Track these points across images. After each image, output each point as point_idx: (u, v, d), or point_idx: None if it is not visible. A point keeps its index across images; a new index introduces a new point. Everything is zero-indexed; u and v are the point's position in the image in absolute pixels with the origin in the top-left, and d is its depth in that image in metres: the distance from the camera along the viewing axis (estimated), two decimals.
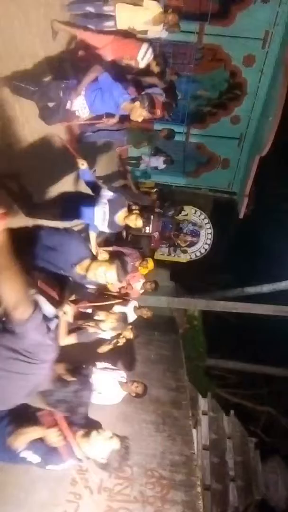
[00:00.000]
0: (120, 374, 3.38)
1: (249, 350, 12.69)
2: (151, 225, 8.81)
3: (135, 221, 3.60)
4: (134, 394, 3.36)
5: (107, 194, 3.58)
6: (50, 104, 3.57)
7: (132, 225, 3.62)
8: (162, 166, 8.16)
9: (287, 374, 11.93)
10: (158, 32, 4.67)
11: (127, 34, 4.41)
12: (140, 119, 3.72)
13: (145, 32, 4.55)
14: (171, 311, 9.54)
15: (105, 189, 3.64)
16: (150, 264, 6.09)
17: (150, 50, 4.35)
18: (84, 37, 4.38)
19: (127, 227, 4.03)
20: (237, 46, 7.77)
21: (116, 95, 3.60)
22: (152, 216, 8.76)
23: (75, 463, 2.18)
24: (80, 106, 3.62)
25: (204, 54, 8.04)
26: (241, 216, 9.59)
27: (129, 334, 3.99)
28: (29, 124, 3.78)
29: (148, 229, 8.62)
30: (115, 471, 2.34)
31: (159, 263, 9.42)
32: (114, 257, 2.83)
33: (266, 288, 10.35)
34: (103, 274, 2.68)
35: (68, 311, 2.70)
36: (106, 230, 3.62)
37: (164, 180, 9.93)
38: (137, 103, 3.60)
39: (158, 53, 4.80)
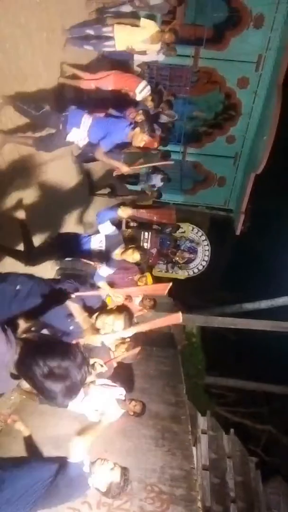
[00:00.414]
0: (119, 392, 3.35)
1: (249, 367, 12.57)
2: (149, 242, 8.91)
3: (132, 255, 3.75)
4: (132, 413, 3.34)
5: (107, 229, 3.80)
6: (45, 133, 3.73)
7: (130, 259, 3.76)
8: (159, 184, 8.30)
9: (286, 392, 11.80)
10: (155, 52, 4.89)
11: (127, 70, 4.68)
12: (142, 144, 3.90)
13: (144, 52, 4.77)
14: (169, 328, 9.50)
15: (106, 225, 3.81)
16: (149, 279, 6.13)
17: (148, 87, 4.63)
18: (89, 78, 4.62)
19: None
20: (231, 69, 8.08)
21: (121, 132, 3.77)
22: (150, 233, 8.88)
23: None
24: (79, 137, 3.71)
25: (200, 76, 8.34)
26: (237, 233, 9.71)
27: (127, 347, 3.98)
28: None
29: (146, 246, 8.71)
30: (114, 498, 2.42)
31: (157, 280, 9.44)
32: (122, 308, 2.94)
33: (264, 304, 10.37)
34: (112, 322, 2.76)
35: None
36: (104, 267, 3.68)
37: (162, 197, 10.09)
38: (137, 129, 3.75)
39: (154, 90, 5.05)
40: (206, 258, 10.69)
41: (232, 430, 8.94)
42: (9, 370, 1.52)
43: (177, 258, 10.48)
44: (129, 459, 3.38)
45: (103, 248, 3.77)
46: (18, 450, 3.43)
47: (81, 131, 3.64)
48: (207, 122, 8.95)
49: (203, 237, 10.64)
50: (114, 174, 6.23)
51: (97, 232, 3.97)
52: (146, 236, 9.18)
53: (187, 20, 7.70)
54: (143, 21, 4.47)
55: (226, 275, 12.68)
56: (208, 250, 10.68)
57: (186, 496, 3.18)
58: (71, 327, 2.56)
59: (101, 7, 5.29)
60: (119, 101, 5.05)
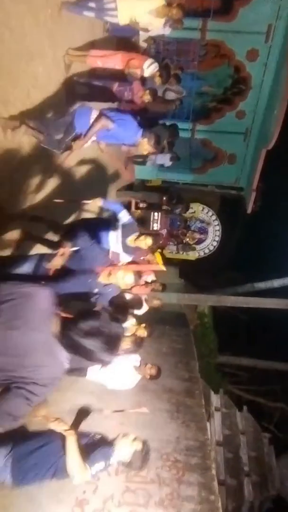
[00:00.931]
0: (135, 358, 3.46)
1: (261, 346, 12.61)
2: (159, 223, 8.87)
3: (145, 241, 3.89)
4: (148, 377, 3.46)
5: (123, 219, 3.92)
6: (57, 136, 3.70)
7: (142, 245, 3.90)
8: (168, 163, 8.20)
9: None
10: (160, 26, 4.75)
11: (133, 47, 4.59)
12: (145, 153, 4.10)
13: (149, 26, 4.64)
14: (181, 308, 9.56)
15: (123, 215, 3.96)
16: (158, 258, 6.15)
17: (155, 63, 4.56)
18: (95, 55, 4.52)
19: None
20: (240, 41, 7.82)
21: (130, 137, 3.86)
22: (159, 214, 8.84)
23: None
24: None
25: (208, 50, 8.11)
26: (249, 211, 9.59)
27: (143, 332, 4.01)
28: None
29: (156, 226, 8.68)
30: (137, 470, 2.61)
31: (167, 261, 9.46)
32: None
33: (276, 283, 10.31)
34: (122, 277, 3.02)
35: None
36: (122, 252, 3.93)
37: (170, 177, 9.98)
38: (145, 140, 3.83)
39: (161, 66, 4.97)
40: (217, 238, 10.64)
41: (245, 407, 9.05)
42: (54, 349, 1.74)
43: (188, 239, 10.44)
44: (145, 431, 3.46)
45: (120, 236, 3.92)
46: (36, 422, 3.53)
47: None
48: (216, 97, 8.74)
49: (214, 217, 10.55)
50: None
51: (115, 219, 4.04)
52: (155, 217, 9.14)
53: None
54: None
55: (238, 255, 12.62)
56: (219, 230, 10.61)
57: (201, 464, 3.27)
58: (95, 289, 2.97)
59: None
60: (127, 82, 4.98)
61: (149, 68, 4.79)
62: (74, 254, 3.08)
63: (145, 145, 3.87)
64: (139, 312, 4.45)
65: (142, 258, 5.46)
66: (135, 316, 4.08)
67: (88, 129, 3.63)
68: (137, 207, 8.48)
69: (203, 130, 9.09)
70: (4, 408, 1.63)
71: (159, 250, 6.11)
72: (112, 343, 1.71)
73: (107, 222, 4.08)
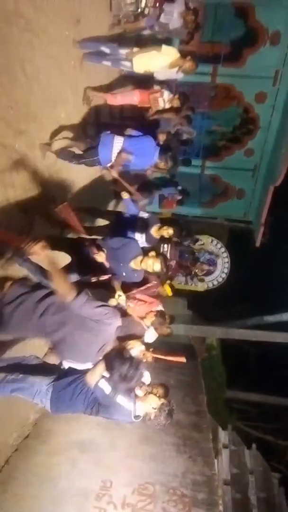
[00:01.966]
0: (145, 376, 3.59)
1: (270, 382, 12.36)
2: (168, 254, 9.02)
3: (167, 230, 4.35)
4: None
5: (144, 215, 4.44)
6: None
7: (165, 234, 4.39)
8: (178, 197, 8.47)
9: None
10: (173, 74, 5.10)
11: (148, 88, 4.97)
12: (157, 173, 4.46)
13: (162, 75, 4.98)
14: (189, 340, 9.54)
15: (142, 213, 4.50)
16: (168, 290, 6.25)
17: (169, 91, 4.86)
18: (114, 100, 4.90)
19: None
20: (249, 84, 8.25)
21: (149, 161, 4.21)
22: (169, 245, 9.01)
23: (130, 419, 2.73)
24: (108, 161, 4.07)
25: (218, 92, 8.54)
26: (258, 244, 9.72)
27: (150, 356, 4.09)
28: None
29: None
30: (160, 426, 2.80)
31: (176, 292, 9.53)
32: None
33: (286, 316, 10.26)
34: (152, 264, 3.58)
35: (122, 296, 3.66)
36: (145, 244, 4.34)
37: (180, 210, 10.24)
38: (159, 161, 4.17)
39: (179, 91, 5.30)
40: (226, 270, 10.70)
41: (254, 445, 8.80)
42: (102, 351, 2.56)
43: (197, 270, 10.54)
44: (151, 464, 3.46)
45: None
46: (46, 451, 3.58)
47: (112, 154, 3.97)
48: (225, 136, 9.10)
49: (223, 249, 10.67)
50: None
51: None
52: (165, 248, 9.27)
53: (205, 38, 7.95)
54: (165, 48, 4.56)
55: (247, 287, 12.62)
56: (227, 262, 10.69)
57: (207, 499, 3.23)
58: (123, 273, 3.69)
59: (123, 32, 5.59)
60: (144, 120, 5.32)
61: (166, 93, 5.18)
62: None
63: (161, 165, 4.28)
64: (148, 339, 4.53)
65: (153, 290, 5.61)
66: (144, 343, 4.16)
67: (113, 163, 4.03)
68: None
69: (212, 166, 9.42)
70: None
71: (168, 281, 6.23)
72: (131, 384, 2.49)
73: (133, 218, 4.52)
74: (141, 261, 4.16)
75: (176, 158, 4.82)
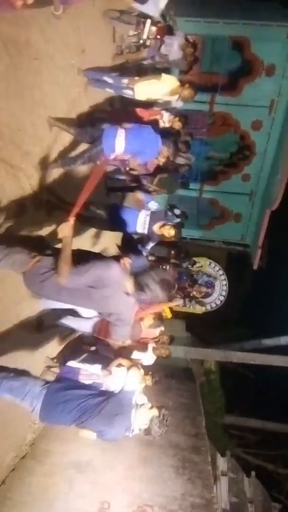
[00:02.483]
0: (142, 399, 3.52)
1: (270, 407, 12.17)
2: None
3: (169, 231, 4.27)
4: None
5: (153, 206, 4.45)
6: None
7: (166, 234, 4.29)
8: (176, 220, 8.60)
9: None
10: (174, 100, 5.32)
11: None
12: (164, 160, 4.44)
13: (162, 102, 5.20)
14: (188, 363, 9.46)
15: (153, 204, 4.51)
16: (167, 312, 6.27)
17: (169, 114, 5.02)
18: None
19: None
20: (245, 113, 8.58)
21: (155, 146, 4.24)
22: (167, 267, 9.08)
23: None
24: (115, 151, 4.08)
25: (215, 119, 8.86)
26: (255, 267, 9.82)
27: (148, 381, 4.06)
28: None
29: None
30: (157, 436, 2.69)
31: (174, 314, 9.53)
32: None
33: (283, 340, 10.23)
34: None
35: None
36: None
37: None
38: (164, 147, 4.26)
39: (179, 114, 5.48)
40: (224, 293, 10.73)
41: (253, 473, 8.59)
42: (123, 289, 2.48)
43: (195, 293, 10.57)
44: (150, 486, 3.40)
45: (148, 221, 4.35)
46: (43, 471, 3.52)
47: (118, 151, 4.00)
48: (223, 161, 9.37)
49: (221, 272, 10.75)
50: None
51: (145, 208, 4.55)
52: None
53: (203, 68, 8.33)
54: (164, 77, 4.79)
55: (245, 310, 12.63)
56: (225, 284, 10.74)
57: None
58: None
59: (125, 62, 5.87)
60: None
61: (166, 114, 5.33)
62: None
63: (165, 153, 4.32)
64: (147, 361, 4.51)
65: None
66: (142, 366, 4.15)
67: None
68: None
69: (210, 190, 9.65)
70: None
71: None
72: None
73: (134, 211, 4.51)
74: (160, 227, 4.27)
75: (177, 144, 4.93)
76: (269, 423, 11.85)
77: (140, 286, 2.52)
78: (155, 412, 2.67)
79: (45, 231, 3.92)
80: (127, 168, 4.64)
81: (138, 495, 3.34)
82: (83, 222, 4.41)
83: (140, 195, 4.62)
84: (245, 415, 12.18)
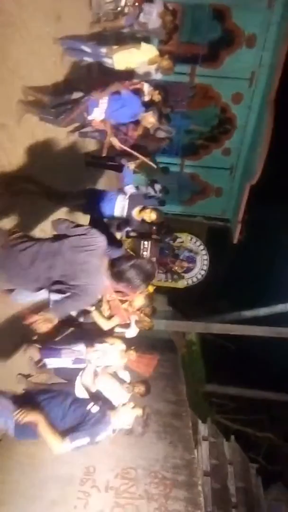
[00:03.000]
0: (125, 375, 3.59)
1: (248, 376, 12.70)
2: (148, 251, 9.17)
3: (150, 215, 4.17)
4: (138, 395, 3.57)
5: (130, 190, 4.35)
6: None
7: (147, 218, 4.18)
8: (158, 195, 8.59)
9: (285, 399, 11.91)
10: (153, 72, 5.22)
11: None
12: (149, 126, 4.47)
13: (142, 72, 5.09)
14: (169, 335, 9.70)
15: (131, 187, 4.42)
16: (150, 288, 6.35)
17: (149, 85, 4.94)
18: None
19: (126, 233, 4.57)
20: (226, 85, 8.46)
21: (136, 106, 4.23)
22: (149, 242, 9.15)
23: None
24: (97, 114, 4.04)
25: (196, 92, 8.71)
26: (235, 241, 9.98)
27: (132, 353, 4.14)
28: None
29: (145, 254, 8.96)
30: (139, 436, 2.70)
31: (156, 290, 9.67)
32: None
33: (262, 311, 10.58)
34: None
35: None
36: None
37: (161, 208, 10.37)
38: (149, 113, 4.32)
39: (159, 86, 5.38)
40: (205, 268, 10.92)
41: (232, 437, 9.03)
42: (102, 273, 2.36)
43: (176, 268, 10.73)
44: (133, 450, 3.57)
45: (126, 206, 4.23)
46: (26, 446, 3.62)
47: (100, 109, 3.97)
48: (203, 135, 9.29)
49: (202, 247, 10.89)
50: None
51: (123, 191, 4.44)
52: (145, 245, 9.44)
53: (183, 39, 8.11)
54: (144, 46, 4.70)
55: (225, 284, 12.90)
56: (206, 259, 10.92)
57: (187, 481, 3.37)
58: None
59: (102, 30, 5.67)
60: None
61: (146, 87, 5.23)
62: None
63: (150, 118, 4.31)
64: (129, 334, 4.61)
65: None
66: (126, 339, 4.24)
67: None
68: (128, 236, 8.78)
69: (191, 165, 9.60)
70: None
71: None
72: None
73: (111, 195, 4.38)
74: (139, 211, 4.19)
75: (162, 112, 4.81)
76: (247, 390, 12.39)
77: (118, 276, 2.39)
78: (138, 411, 2.63)
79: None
80: (108, 140, 4.55)
81: (122, 459, 3.51)
82: (58, 203, 4.30)
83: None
84: (225, 384, 12.69)
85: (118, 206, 4.25)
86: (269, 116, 7.84)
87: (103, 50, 4.78)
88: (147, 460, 3.56)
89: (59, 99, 3.96)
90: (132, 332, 4.58)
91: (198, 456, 7.63)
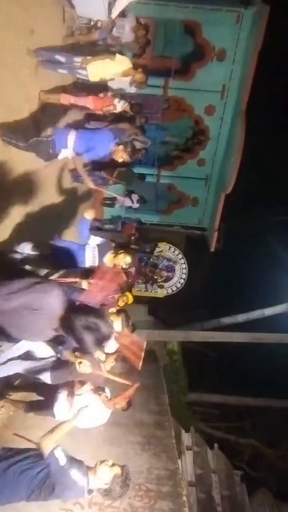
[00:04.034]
0: (105, 393, 3.50)
1: (230, 383, 12.78)
2: None
3: (124, 259, 3.96)
4: (121, 410, 3.52)
5: (95, 240, 4.16)
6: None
7: (122, 263, 3.95)
8: (136, 205, 8.67)
9: (267, 404, 12.04)
10: (126, 82, 5.29)
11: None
12: (120, 160, 4.26)
13: (116, 84, 5.17)
14: (151, 345, 9.67)
15: (93, 237, 4.22)
16: (130, 298, 6.32)
17: (124, 100, 4.99)
18: (68, 100, 4.94)
19: None
20: (198, 98, 8.68)
21: (106, 143, 4.12)
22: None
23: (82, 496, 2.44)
24: (67, 154, 4.04)
25: (170, 104, 8.89)
26: (212, 249, 10.13)
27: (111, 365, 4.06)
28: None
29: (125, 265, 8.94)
30: (117, 497, 2.53)
31: (136, 299, 9.65)
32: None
33: (240, 317, 10.72)
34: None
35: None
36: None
37: (138, 218, 10.44)
38: (121, 147, 4.15)
39: (132, 100, 5.45)
40: (184, 276, 11.00)
41: (216, 445, 9.02)
42: (52, 323, 2.15)
43: (156, 277, 10.77)
44: (117, 463, 3.50)
45: (97, 255, 4.01)
46: None
47: (69, 149, 3.96)
48: (178, 146, 9.47)
49: (180, 256, 10.98)
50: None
51: (86, 243, 4.24)
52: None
53: (156, 53, 8.30)
54: (118, 57, 4.76)
55: (204, 292, 13.03)
56: (185, 268, 11.00)
57: (172, 492, 3.34)
58: None
59: (76, 43, 5.73)
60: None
61: (120, 103, 5.29)
62: None
63: (120, 152, 4.13)
64: (109, 349, 4.54)
65: (110, 297, 5.64)
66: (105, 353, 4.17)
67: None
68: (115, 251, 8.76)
69: (167, 175, 9.74)
70: None
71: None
72: (102, 340, 2.13)
73: (80, 245, 4.17)
74: (113, 257, 4.02)
75: (135, 146, 4.64)
76: (230, 397, 12.46)
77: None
78: (117, 470, 2.48)
79: None
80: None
81: None
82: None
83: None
84: (208, 392, 12.72)
85: (89, 257, 4.02)
86: (241, 127, 8.08)
87: (78, 59, 4.81)
88: (131, 473, 3.50)
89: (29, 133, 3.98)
90: (111, 347, 4.50)
91: (182, 466, 7.57)
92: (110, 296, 4.93)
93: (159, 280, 10.83)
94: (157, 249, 10.57)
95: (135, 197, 8.54)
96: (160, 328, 10.32)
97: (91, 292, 3.51)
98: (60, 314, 2.15)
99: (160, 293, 10.88)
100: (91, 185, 4.61)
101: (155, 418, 4.56)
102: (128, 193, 8.57)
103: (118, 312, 3.42)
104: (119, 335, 3.72)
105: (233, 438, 11.89)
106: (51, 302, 2.15)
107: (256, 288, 10.83)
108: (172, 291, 10.98)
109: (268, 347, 8.94)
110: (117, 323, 3.29)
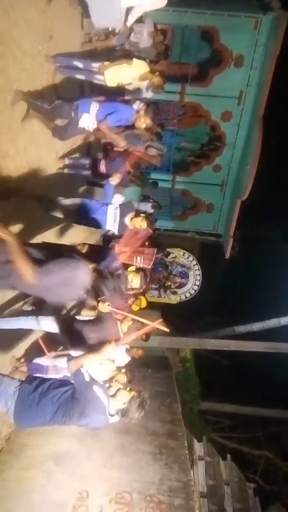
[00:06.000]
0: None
1: (243, 392, 12.55)
2: (141, 265, 9.10)
3: (141, 223, 4.16)
4: (137, 356, 4.02)
5: (119, 200, 4.39)
6: (60, 122, 4.11)
7: (137, 226, 4.15)
8: (150, 210, 8.62)
9: (282, 416, 11.75)
10: (144, 90, 5.29)
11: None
12: (143, 126, 4.40)
13: (133, 89, 5.16)
14: (163, 352, 9.57)
15: (119, 196, 4.46)
16: (143, 302, 6.27)
17: (139, 101, 4.99)
18: None
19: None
20: (215, 103, 8.65)
21: (128, 108, 4.34)
22: (142, 258, 9.10)
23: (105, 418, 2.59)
24: (89, 122, 4.13)
25: (186, 110, 8.88)
26: (227, 256, 10.01)
27: (122, 378, 4.04)
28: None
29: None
30: (133, 417, 2.63)
31: (149, 305, 9.58)
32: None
33: (255, 326, 10.53)
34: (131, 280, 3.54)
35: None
36: (116, 231, 4.27)
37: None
38: (142, 112, 4.30)
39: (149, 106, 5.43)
40: (198, 283, 10.90)
41: (228, 456, 8.83)
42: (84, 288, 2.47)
43: (169, 283, 10.69)
44: (128, 473, 3.44)
45: (118, 214, 4.23)
46: (20, 465, 3.49)
47: (91, 116, 4.05)
48: (194, 152, 9.43)
49: (194, 262, 10.90)
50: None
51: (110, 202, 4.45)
52: (138, 261, 9.38)
53: (173, 58, 8.30)
54: (135, 61, 4.77)
55: (218, 299, 12.88)
56: (199, 274, 10.91)
57: (184, 505, 3.24)
58: None
59: (94, 49, 5.76)
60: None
61: (136, 103, 5.28)
62: None
63: (143, 117, 4.29)
64: (120, 363, 4.47)
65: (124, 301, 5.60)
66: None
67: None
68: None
69: (182, 181, 9.71)
70: None
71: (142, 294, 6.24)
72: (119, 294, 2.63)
73: (102, 204, 4.37)
74: (131, 219, 4.18)
75: (157, 108, 4.86)
76: (243, 407, 12.21)
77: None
78: (134, 393, 2.69)
79: None
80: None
81: (116, 482, 3.38)
82: (50, 213, 4.29)
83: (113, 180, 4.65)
84: (220, 401, 12.51)
85: (110, 216, 4.25)
86: (258, 133, 7.99)
87: (95, 65, 4.85)
88: (142, 483, 3.43)
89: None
90: (123, 360, 4.46)
91: (194, 477, 7.41)
92: (123, 300, 4.92)
93: (172, 286, 10.75)
94: (171, 255, 10.51)
95: (149, 203, 8.50)
96: (173, 335, 10.22)
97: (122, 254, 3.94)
98: (87, 285, 2.48)
99: (174, 299, 10.80)
100: (122, 143, 4.63)
101: (167, 427, 4.47)
102: (143, 199, 8.54)
103: (137, 270, 3.61)
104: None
105: (246, 449, 11.63)
106: (80, 277, 2.45)
107: (271, 297, 10.62)
108: (186, 297, 10.88)
109: (284, 356, 8.74)
110: (136, 280, 3.49)
